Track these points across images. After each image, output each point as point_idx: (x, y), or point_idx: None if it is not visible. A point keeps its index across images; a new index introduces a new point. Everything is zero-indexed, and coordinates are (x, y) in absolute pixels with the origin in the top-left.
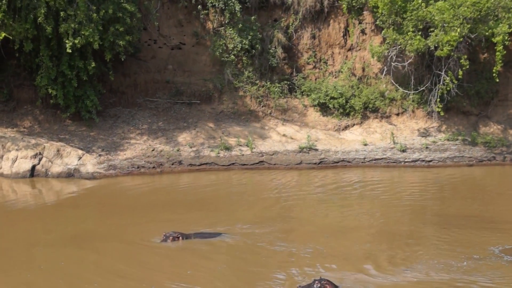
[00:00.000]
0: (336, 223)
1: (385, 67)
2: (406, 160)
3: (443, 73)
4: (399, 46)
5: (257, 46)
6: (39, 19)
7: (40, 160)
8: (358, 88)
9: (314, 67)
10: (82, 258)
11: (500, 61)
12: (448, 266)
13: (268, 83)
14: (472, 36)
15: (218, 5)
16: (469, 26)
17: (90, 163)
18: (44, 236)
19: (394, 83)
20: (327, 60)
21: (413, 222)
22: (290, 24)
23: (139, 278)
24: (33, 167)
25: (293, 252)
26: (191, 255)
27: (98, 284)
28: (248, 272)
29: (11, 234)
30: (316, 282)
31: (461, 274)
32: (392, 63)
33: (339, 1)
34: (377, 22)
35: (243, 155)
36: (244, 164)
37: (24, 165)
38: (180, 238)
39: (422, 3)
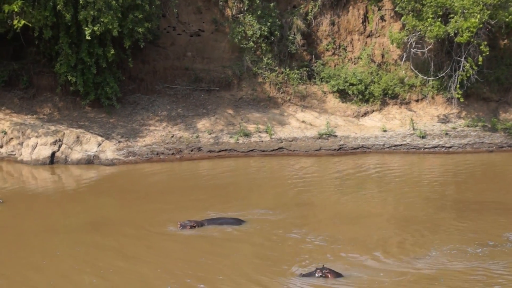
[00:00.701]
0: (353, 210)
1: (404, 53)
2: (425, 146)
3: (463, 59)
4: (419, 33)
5: (276, 32)
6: (59, 6)
7: (59, 146)
8: (377, 74)
9: (333, 53)
10: (100, 244)
11: None
12: (462, 252)
13: (287, 69)
14: (492, 22)
15: None
16: (489, 12)
17: (109, 150)
18: (63, 221)
19: (414, 70)
20: (346, 46)
21: (430, 208)
22: (309, 10)
23: (154, 264)
24: (53, 153)
25: (307, 239)
26: (205, 242)
27: (114, 270)
28: (259, 259)
29: (31, 219)
30: (318, 270)
31: (476, 261)
32: (412, 50)
33: None
34: (397, 9)
35: (262, 141)
36: (263, 151)
37: (44, 151)
38: (196, 226)
39: None
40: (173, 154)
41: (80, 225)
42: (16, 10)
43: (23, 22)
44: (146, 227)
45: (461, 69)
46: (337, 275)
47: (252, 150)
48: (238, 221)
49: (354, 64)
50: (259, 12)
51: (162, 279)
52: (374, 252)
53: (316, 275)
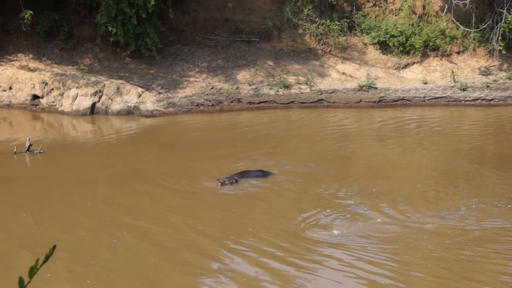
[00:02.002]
0: (390, 162)
1: (446, 4)
2: (466, 99)
3: (505, 10)
4: None
5: None
6: None
7: (100, 97)
8: (418, 26)
9: (374, 4)
10: (138, 193)
11: None
12: (492, 207)
13: (328, 21)
14: None
15: None
16: None
17: (149, 101)
18: (103, 173)
19: (455, 21)
20: None
21: (468, 161)
22: None
23: (189, 213)
24: (93, 104)
25: (339, 193)
26: (238, 197)
27: (150, 216)
28: (281, 213)
29: (72, 169)
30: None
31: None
32: (453, 1)
33: None
34: None
35: (302, 93)
36: (303, 102)
37: (84, 102)
38: (234, 182)
39: None
40: (213, 105)
41: (119, 176)
42: None
43: None
44: (184, 178)
45: (503, 21)
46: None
47: (292, 102)
48: (265, 173)
49: (395, 15)
50: None
51: (194, 229)
52: (402, 206)
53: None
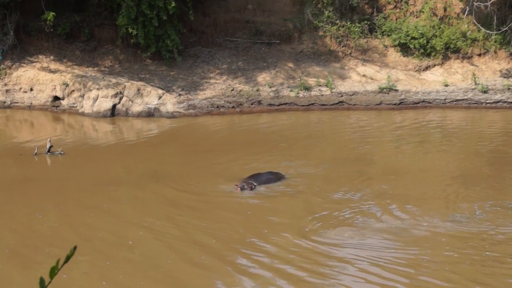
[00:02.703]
0: (408, 164)
1: (467, 7)
2: (487, 101)
3: None
4: None
5: None
6: None
7: (120, 99)
8: (439, 28)
9: (395, 7)
10: (158, 195)
11: None
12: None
13: (349, 23)
14: None
15: None
16: None
17: (170, 103)
18: (123, 174)
19: (476, 23)
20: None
21: (487, 164)
22: None
23: (204, 216)
24: (114, 106)
25: (353, 195)
26: (254, 199)
27: (167, 218)
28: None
29: (91, 171)
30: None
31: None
32: (475, 3)
33: None
34: None
35: (322, 95)
36: (324, 104)
37: (105, 104)
38: (253, 187)
39: None
40: (233, 107)
41: (139, 177)
42: None
43: None
44: (204, 182)
45: None
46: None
47: (312, 104)
48: (278, 176)
49: (416, 17)
50: None
51: (209, 232)
52: (417, 209)
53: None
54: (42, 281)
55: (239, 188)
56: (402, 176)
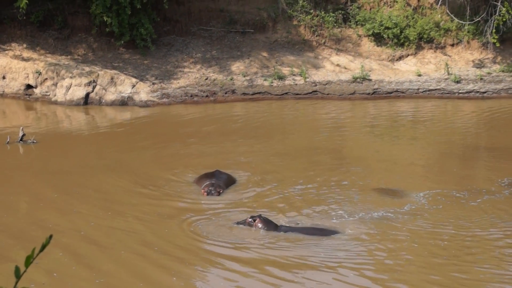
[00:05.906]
0: (382, 155)
1: None
2: (460, 91)
3: (499, 3)
4: None
5: None
6: None
7: (94, 87)
8: (413, 18)
9: None
10: (130, 184)
11: None
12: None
13: (323, 12)
14: None
15: None
16: None
17: (143, 91)
18: (96, 162)
19: (450, 14)
20: None
21: (459, 155)
22: None
23: (176, 206)
24: (87, 94)
25: (325, 185)
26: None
27: (131, 209)
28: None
29: (65, 159)
30: (249, 219)
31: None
32: None
33: None
34: None
35: (296, 84)
36: (297, 94)
37: (78, 92)
38: (221, 190)
39: None
40: (207, 96)
41: (114, 166)
42: None
43: None
44: (177, 171)
45: (497, 14)
46: (269, 223)
47: (286, 93)
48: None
49: (390, 7)
50: None
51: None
52: (383, 199)
53: (248, 220)
54: (17, 269)
55: (205, 193)
56: (377, 166)
